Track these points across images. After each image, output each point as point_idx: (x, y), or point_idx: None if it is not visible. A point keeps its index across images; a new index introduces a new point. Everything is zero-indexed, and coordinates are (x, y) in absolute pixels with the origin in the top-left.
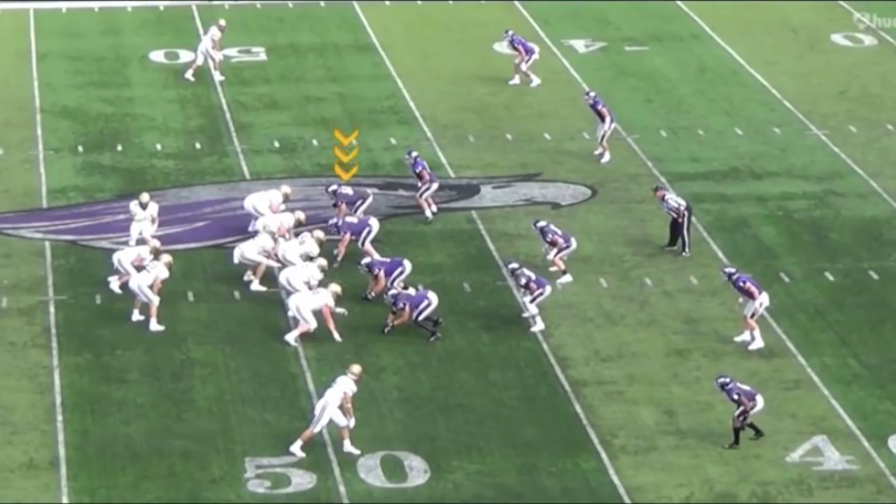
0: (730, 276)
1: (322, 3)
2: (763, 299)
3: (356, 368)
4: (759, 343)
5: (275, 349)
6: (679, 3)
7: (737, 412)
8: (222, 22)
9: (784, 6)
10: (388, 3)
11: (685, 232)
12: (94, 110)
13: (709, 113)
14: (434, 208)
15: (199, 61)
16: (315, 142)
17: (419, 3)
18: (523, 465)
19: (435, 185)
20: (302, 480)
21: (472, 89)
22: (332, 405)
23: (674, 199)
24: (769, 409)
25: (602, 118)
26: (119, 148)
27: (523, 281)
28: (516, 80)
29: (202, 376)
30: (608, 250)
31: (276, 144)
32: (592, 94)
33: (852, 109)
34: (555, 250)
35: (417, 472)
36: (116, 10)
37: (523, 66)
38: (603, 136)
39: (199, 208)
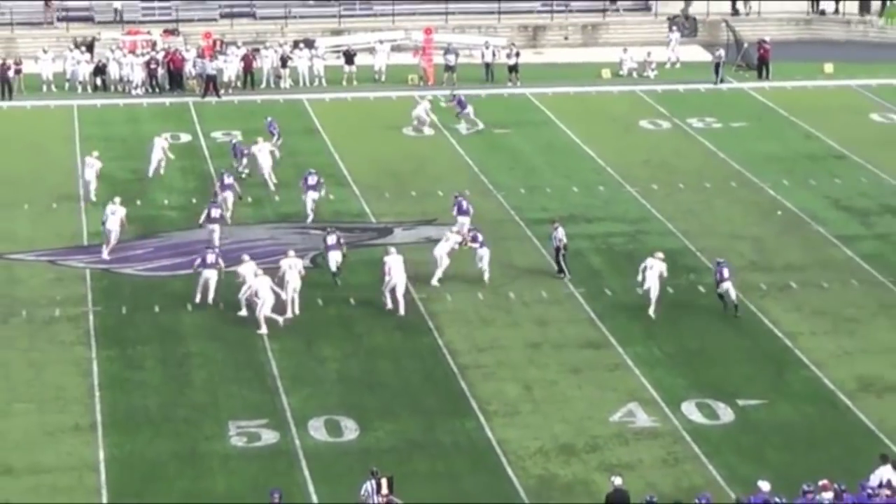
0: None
1: (280, 99)
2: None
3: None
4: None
5: (249, 344)
6: (531, 98)
7: None
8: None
9: (606, 100)
10: (327, 98)
11: (564, 261)
12: (120, 176)
13: (553, 176)
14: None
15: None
16: (277, 198)
17: (349, 99)
18: (425, 425)
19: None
20: (269, 436)
21: (387, 160)
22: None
23: (561, 235)
24: (598, 383)
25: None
26: (138, 202)
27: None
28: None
29: (198, 364)
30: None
31: (250, 199)
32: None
33: (654, 173)
34: None
35: (351, 430)
36: (136, 105)
37: (466, 116)
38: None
39: (195, 245)
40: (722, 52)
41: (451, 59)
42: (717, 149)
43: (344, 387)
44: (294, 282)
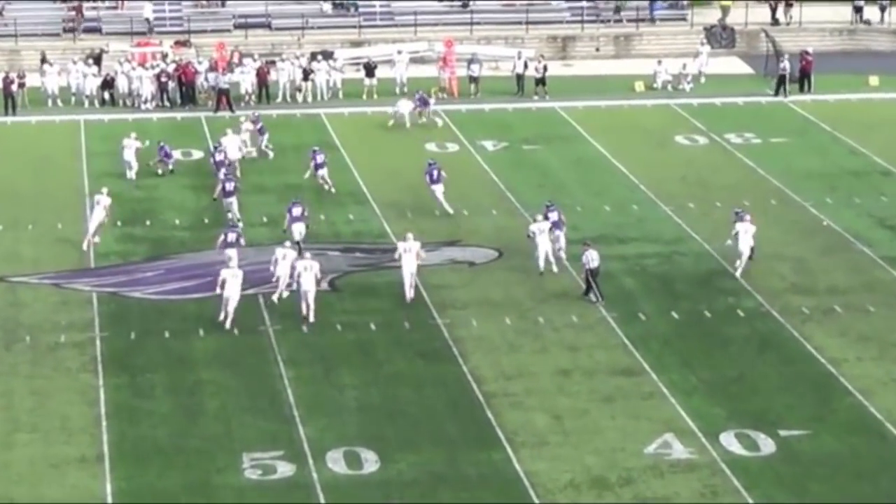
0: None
1: (297, 114)
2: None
3: None
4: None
5: (264, 371)
6: (560, 112)
7: None
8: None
9: (639, 113)
10: (346, 113)
11: (596, 284)
12: (128, 195)
13: (584, 194)
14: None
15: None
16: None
17: (369, 113)
18: (449, 456)
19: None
20: (285, 469)
21: (409, 177)
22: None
23: (594, 257)
24: (632, 412)
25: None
26: (147, 223)
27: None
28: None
29: (210, 392)
30: (511, 297)
31: (265, 219)
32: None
33: (690, 191)
34: None
35: (371, 462)
36: (146, 120)
37: (428, 114)
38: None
39: (207, 267)
40: (787, 63)
41: (475, 69)
42: (757, 165)
43: (364, 416)
44: (309, 285)
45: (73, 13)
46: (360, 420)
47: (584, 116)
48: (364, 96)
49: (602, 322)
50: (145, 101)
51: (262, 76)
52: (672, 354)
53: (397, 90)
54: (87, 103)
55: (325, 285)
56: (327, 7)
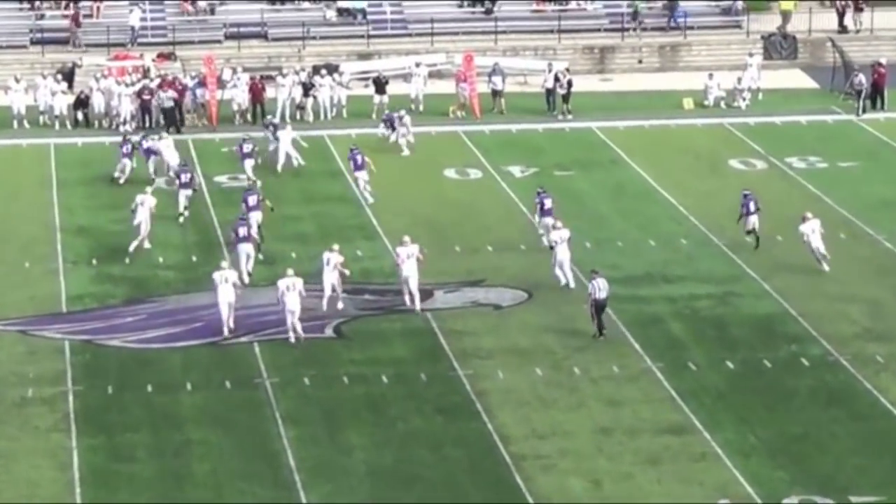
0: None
1: (297, 136)
2: None
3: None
4: None
5: (261, 430)
6: (598, 132)
7: None
8: None
9: (688, 134)
10: (353, 134)
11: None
12: (105, 229)
13: (625, 227)
14: None
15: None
16: (293, 254)
17: (379, 135)
18: None
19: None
20: None
21: (424, 208)
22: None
23: (601, 286)
24: (681, 477)
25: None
26: (127, 261)
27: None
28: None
29: (199, 454)
30: (542, 344)
31: (260, 257)
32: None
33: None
34: None
35: None
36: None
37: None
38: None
39: (195, 311)
40: (862, 77)
41: (498, 81)
42: (823, 193)
43: (374, 481)
44: (293, 305)
45: (70, 22)
46: (371, 486)
47: (625, 138)
48: (374, 116)
49: (647, 373)
50: (124, 122)
51: (256, 92)
52: (727, 410)
53: (413, 108)
54: (57, 125)
55: (329, 332)
56: (331, 14)
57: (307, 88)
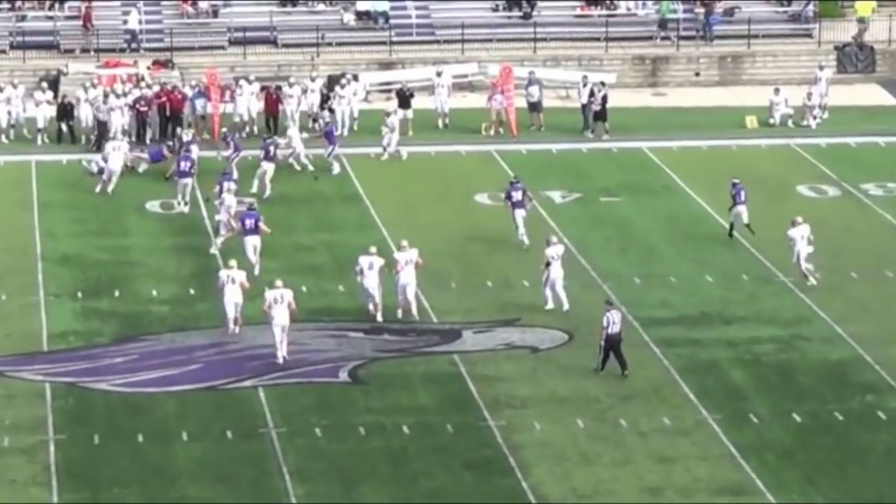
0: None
1: (309, 154)
2: None
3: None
4: None
5: (266, 487)
6: (649, 154)
7: None
8: None
9: (751, 157)
10: (371, 153)
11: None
12: (92, 257)
13: (679, 260)
14: None
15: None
16: (304, 288)
17: (402, 154)
18: None
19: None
20: None
21: (452, 237)
22: None
23: (615, 319)
24: None
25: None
26: (116, 294)
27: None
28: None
29: None
30: (584, 392)
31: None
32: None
33: (817, 256)
34: None
35: None
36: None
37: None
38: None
39: (193, 352)
40: None
41: (535, 92)
42: None
43: None
44: (281, 319)
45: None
46: None
47: (680, 160)
48: (410, 132)
49: (702, 425)
50: (114, 137)
51: (271, 104)
52: (792, 468)
53: (439, 123)
54: (39, 139)
55: (344, 376)
56: (349, 18)
57: (325, 100)
